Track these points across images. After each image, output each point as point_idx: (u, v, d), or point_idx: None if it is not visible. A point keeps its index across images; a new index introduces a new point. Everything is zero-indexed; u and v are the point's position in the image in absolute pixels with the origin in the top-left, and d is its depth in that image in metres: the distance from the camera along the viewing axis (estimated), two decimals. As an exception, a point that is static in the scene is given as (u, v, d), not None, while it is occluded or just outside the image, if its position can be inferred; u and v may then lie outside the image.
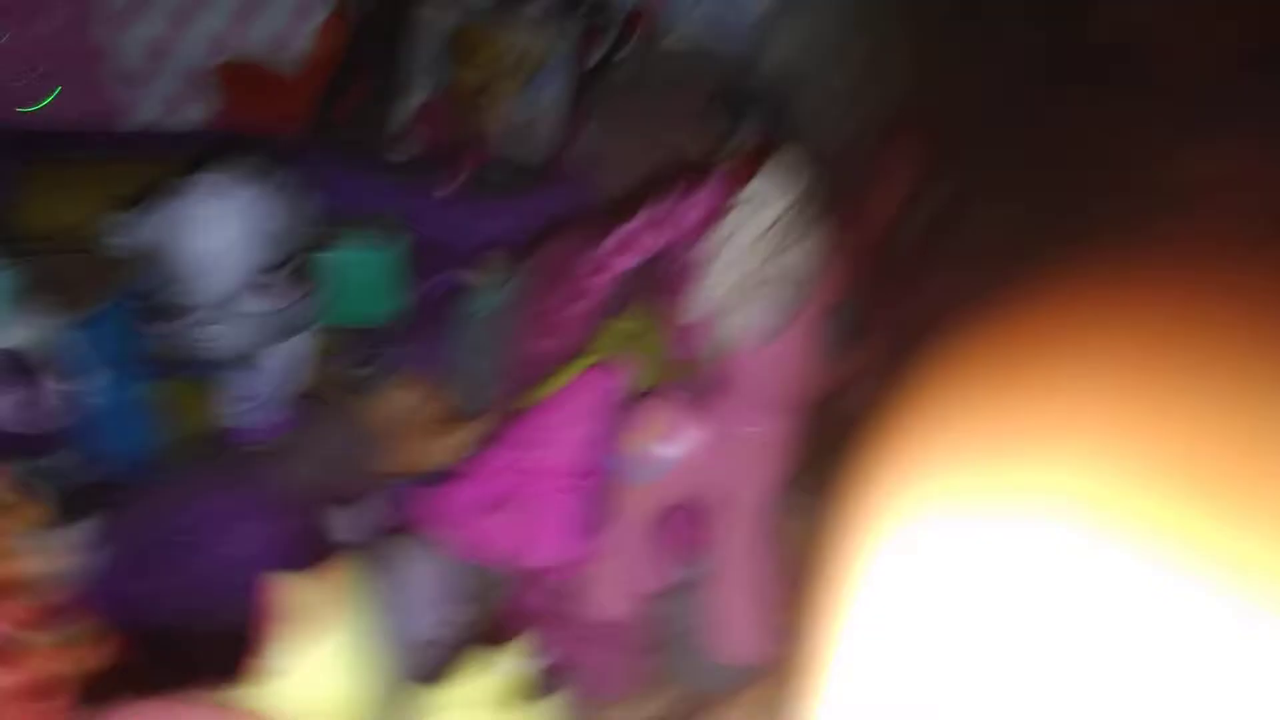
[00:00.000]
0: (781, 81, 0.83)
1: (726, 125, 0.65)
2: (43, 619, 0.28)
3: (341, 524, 0.45)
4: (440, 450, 0.57)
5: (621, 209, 0.45)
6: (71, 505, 0.32)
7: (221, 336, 0.52)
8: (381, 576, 0.40)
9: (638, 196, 0.44)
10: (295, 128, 0.91)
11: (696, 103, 0.75)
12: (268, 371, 0.56)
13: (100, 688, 0.28)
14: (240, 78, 0.93)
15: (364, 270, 0.72)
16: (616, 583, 0.46)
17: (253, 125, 0.93)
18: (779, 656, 0.41)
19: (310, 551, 0.44)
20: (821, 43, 0.88)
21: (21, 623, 0.27)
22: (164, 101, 0.91)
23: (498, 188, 0.91)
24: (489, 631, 0.45)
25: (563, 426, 0.44)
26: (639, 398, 0.46)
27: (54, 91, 0.88)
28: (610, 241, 0.43)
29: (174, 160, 0.58)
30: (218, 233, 0.51)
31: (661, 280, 0.41)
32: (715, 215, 0.39)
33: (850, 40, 0.88)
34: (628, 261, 0.43)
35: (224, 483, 0.47)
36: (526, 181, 0.91)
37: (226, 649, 0.22)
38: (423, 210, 0.85)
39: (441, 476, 0.50)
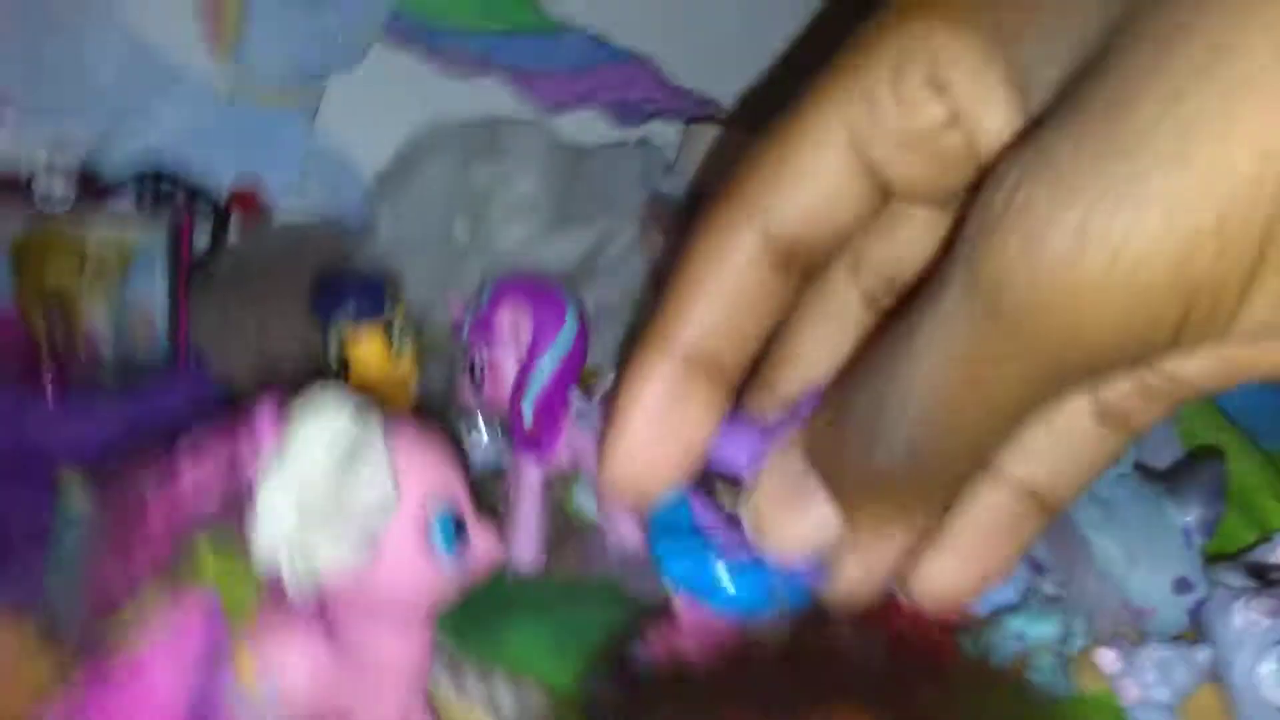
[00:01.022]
0: (389, 249, 0.83)
1: (327, 315, 0.64)
2: None
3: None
4: (22, 694, 0.49)
5: (233, 405, 0.41)
6: None
7: None
8: None
9: (248, 393, 0.41)
10: None
11: (303, 282, 0.73)
12: None
13: None
14: None
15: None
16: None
17: None
18: None
19: None
20: (432, 200, 0.89)
21: None
22: None
23: (98, 387, 0.83)
24: None
25: (159, 660, 0.40)
26: (241, 625, 0.42)
27: None
28: (180, 459, 0.39)
29: None
30: None
31: (243, 497, 0.38)
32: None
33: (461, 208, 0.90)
34: (198, 482, 0.39)
35: None
36: (130, 379, 0.84)
37: None
38: (14, 415, 0.76)
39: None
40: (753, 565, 0.40)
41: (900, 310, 0.19)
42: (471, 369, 0.65)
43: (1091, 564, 0.49)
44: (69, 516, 0.60)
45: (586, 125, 0.99)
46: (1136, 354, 0.16)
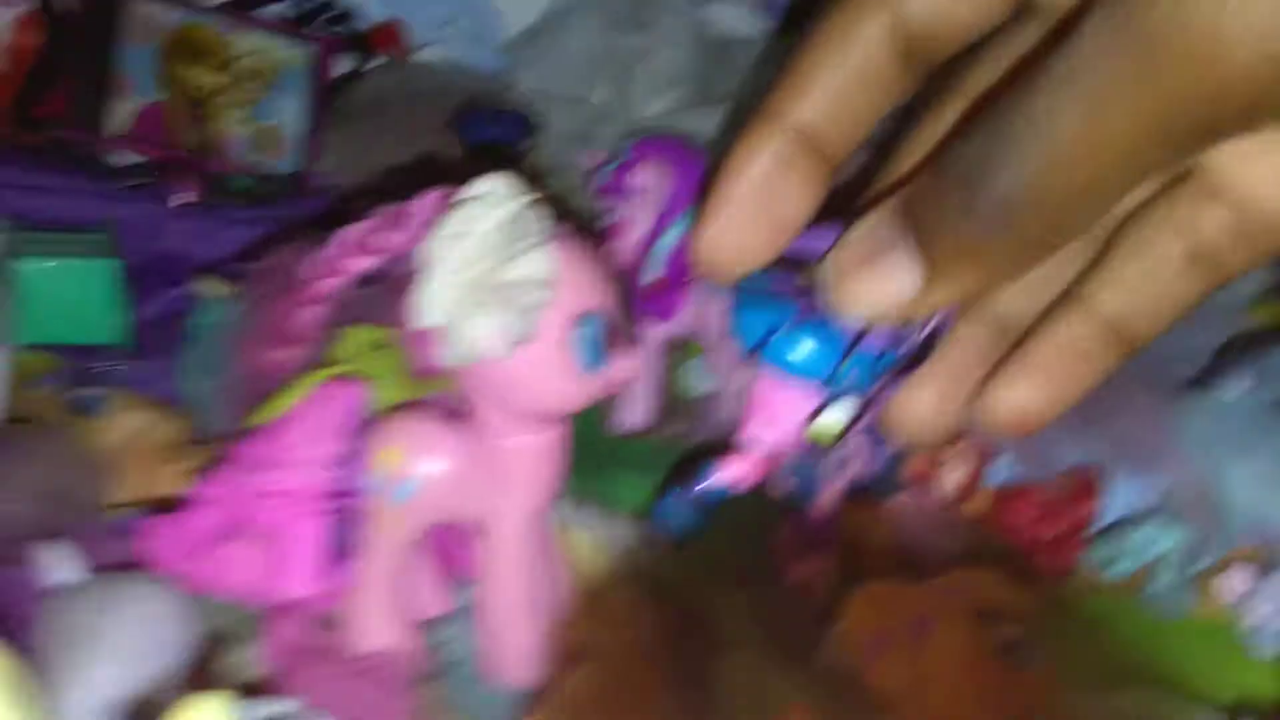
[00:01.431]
0: (530, 99, 0.82)
1: (471, 138, 0.64)
2: None
3: (54, 563, 0.39)
4: (170, 477, 0.51)
5: (360, 217, 0.41)
6: None
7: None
8: (102, 619, 0.35)
9: (376, 205, 0.41)
10: (-5, 126, 0.81)
11: (443, 117, 0.73)
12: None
13: None
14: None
15: (77, 284, 0.65)
16: (377, 612, 0.42)
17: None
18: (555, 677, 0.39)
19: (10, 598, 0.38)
20: (574, 63, 0.88)
21: None
22: None
23: (235, 198, 0.84)
24: (235, 673, 0.40)
25: (303, 445, 0.41)
26: (386, 411, 0.42)
27: None
28: (341, 242, 0.40)
29: None
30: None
31: (397, 286, 0.38)
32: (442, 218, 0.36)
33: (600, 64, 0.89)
34: (359, 264, 0.40)
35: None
36: (266, 192, 0.86)
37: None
38: (152, 220, 0.78)
39: (172, 505, 0.45)
40: (828, 331, 0.40)
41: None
42: (599, 222, 0.65)
43: (1226, 485, 0.48)
44: (208, 313, 0.62)
45: (733, 16, 0.97)
46: (1273, 114, 0.16)
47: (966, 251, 0.19)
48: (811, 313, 0.39)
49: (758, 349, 0.41)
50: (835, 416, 0.40)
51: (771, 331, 0.40)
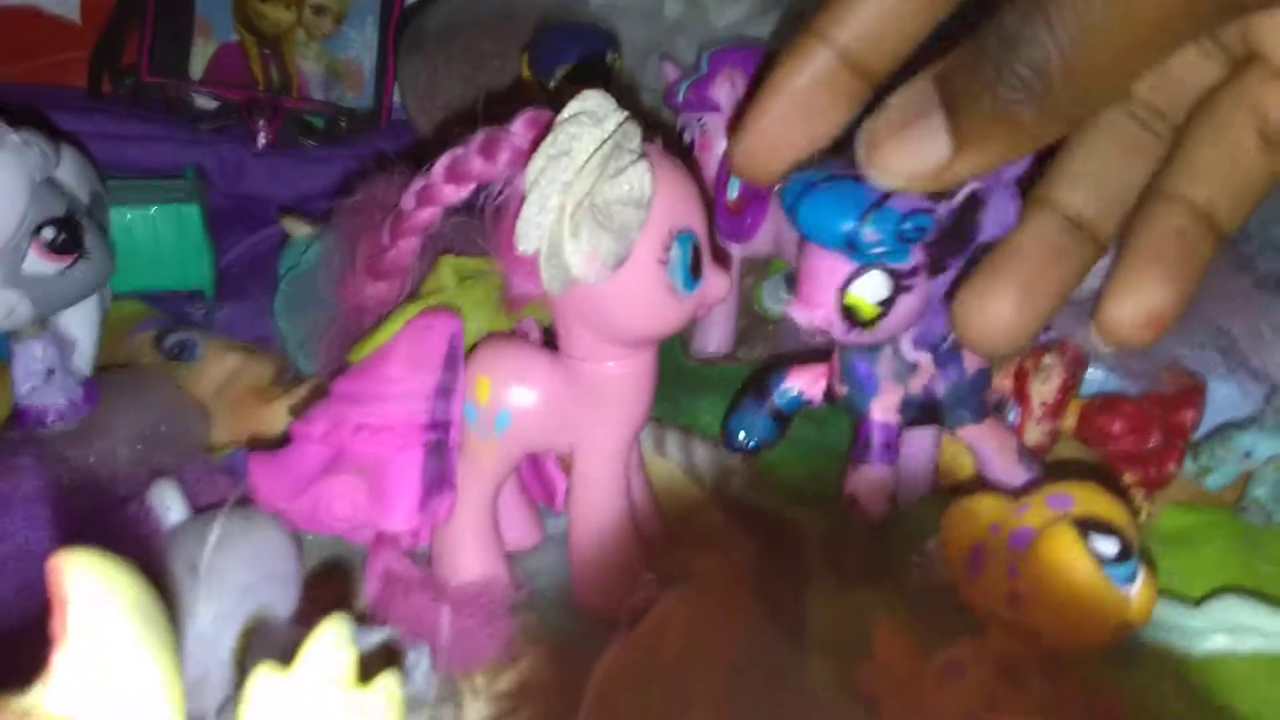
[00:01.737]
0: (602, 16, 0.81)
1: (550, 58, 0.62)
2: None
3: (163, 502, 0.40)
4: (267, 416, 0.52)
5: (446, 147, 0.41)
6: None
7: (0, 304, 0.46)
8: (213, 555, 0.36)
9: (462, 134, 0.40)
10: (79, 76, 0.83)
11: (519, 38, 0.72)
12: (57, 342, 0.50)
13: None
14: (12, 24, 0.84)
15: (165, 230, 0.66)
16: (471, 543, 0.43)
17: (31, 75, 0.84)
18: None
19: (123, 535, 0.40)
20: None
21: None
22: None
23: (315, 135, 0.85)
24: (340, 604, 0.42)
25: (401, 378, 0.41)
26: (482, 341, 0.42)
27: None
28: (436, 171, 0.39)
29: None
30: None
31: (493, 213, 0.38)
32: (539, 143, 0.36)
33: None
34: (456, 193, 0.39)
35: (17, 468, 0.42)
36: (346, 128, 0.86)
37: (23, 648, 0.18)
38: (235, 162, 0.79)
39: (273, 443, 0.46)
40: (848, 188, 0.40)
41: None
42: (681, 138, 0.63)
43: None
44: (295, 252, 0.63)
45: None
46: None
47: (996, 120, 0.20)
48: (839, 176, 0.39)
49: (790, 211, 0.41)
50: (869, 286, 0.40)
51: (803, 192, 0.40)
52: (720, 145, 0.62)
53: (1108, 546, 0.33)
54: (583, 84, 0.61)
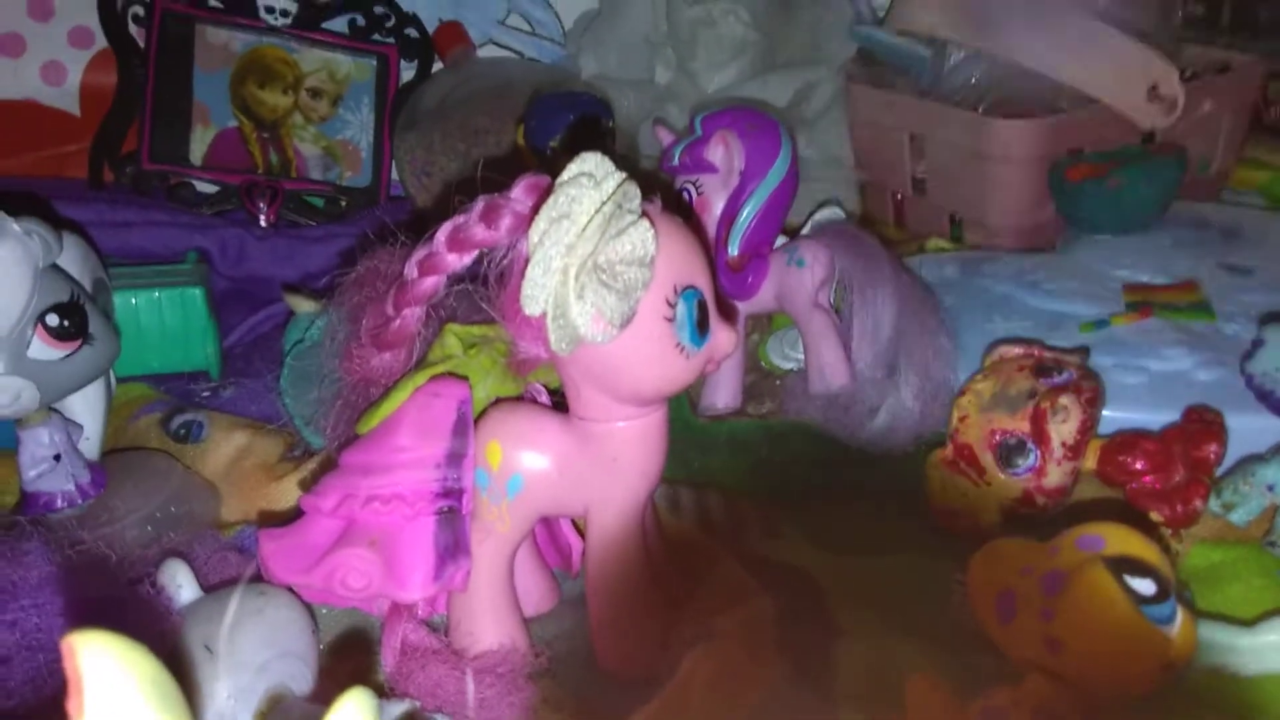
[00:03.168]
0: (598, 81, 0.82)
1: (546, 126, 0.63)
2: None
3: (174, 581, 0.40)
4: (279, 491, 0.52)
5: (447, 216, 0.41)
6: None
7: (6, 393, 0.45)
8: (228, 633, 0.35)
9: (462, 202, 0.40)
10: (80, 167, 0.84)
11: (512, 112, 0.73)
12: (64, 428, 0.50)
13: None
14: (13, 117, 0.85)
15: (170, 314, 0.66)
16: (488, 610, 0.42)
17: (33, 168, 0.85)
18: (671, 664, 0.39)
19: (136, 617, 0.39)
20: (634, 45, 0.87)
21: None
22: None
23: (316, 215, 0.86)
24: (359, 678, 0.41)
25: (410, 446, 0.41)
26: (492, 406, 0.42)
27: None
28: (439, 240, 0.39)
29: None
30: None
31: (497, 278, 0.38)
32: (540, 207, 0.36)
33: (660, 44, 0.88)
34: (459, 260, 0.39)
35: (24, 554, 0.41)
36: (346, 206, 0.87)
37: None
38: (237, 244, 0.79)
39: (284, 518, 0.45)
40: None
41: None
42: (680, 198, 0.64)
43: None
44: (299, 328, 0.63)
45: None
46: None
47: None
48: None
49: None
50: None
51: None
52: (718, 206, 0.62)
53: (1144, 586, 0.32)
54: (579, 149, 0.62)
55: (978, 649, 0.37)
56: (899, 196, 0.86)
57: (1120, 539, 0.34)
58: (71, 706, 0.17)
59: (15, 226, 0.45)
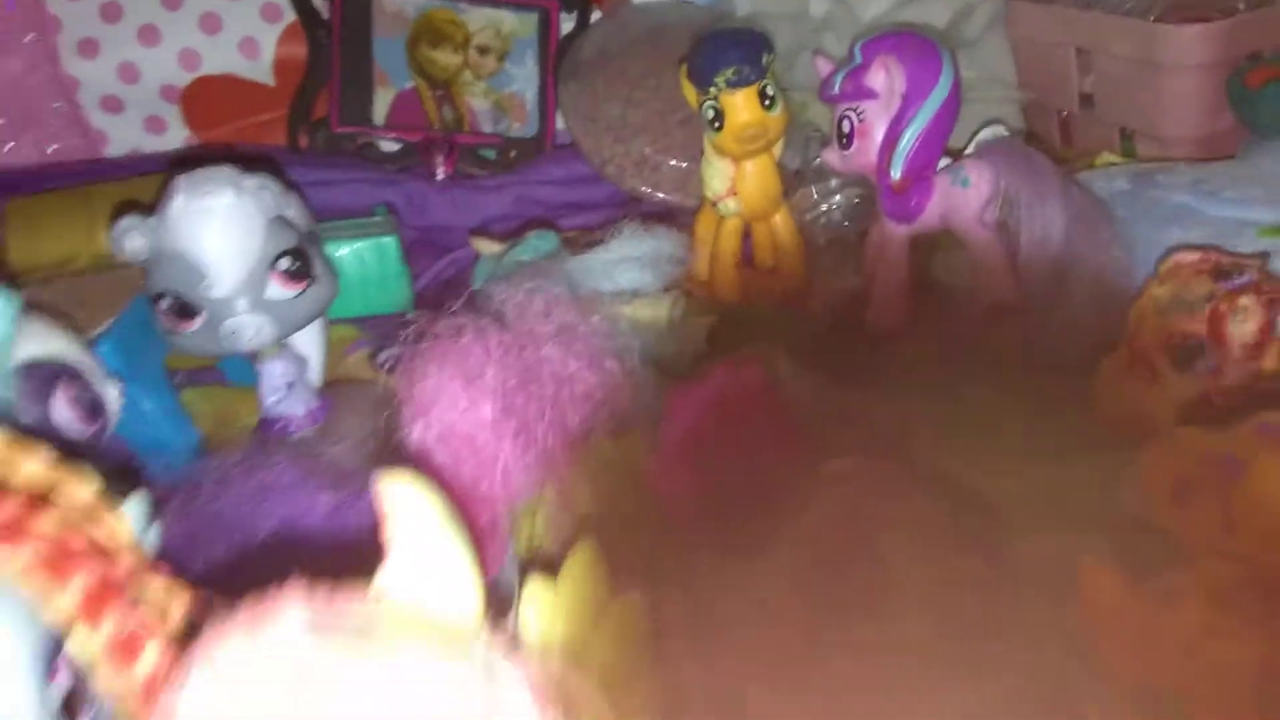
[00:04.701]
0: (755, 19, 0.83)
1: (709, 66, 0.65)
2: (125, 580, 0.28)
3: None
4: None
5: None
6: (115, 486, 0.31)
7: (248, 329, 0.52)
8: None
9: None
10: (277, 134, 0.91)
11: (671, 55, 0.75)
12: (295, 360, 0.56)
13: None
14: (214, 92, 0.93)
15: (371, 261, 0.72)
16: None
17: (234, 137, 0.93)
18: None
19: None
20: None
21: (107, 584, 0.27)
22: (141, 125, 0.91)
23: (488, 166, 0.91)
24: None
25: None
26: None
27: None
28: None
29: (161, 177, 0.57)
30: (225, 226, 0.50)
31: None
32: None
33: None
34: None
35: (275, 463, 0.47)
36: (515, 156, 0.92)
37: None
38: (419, 197, 0.85)
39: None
40: None
41: None
42: (839, 129, 0.65)
43: None
44: (484, 268, 0.68)
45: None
46: None
47: None
48: None
49: None
50: None
51: None
52: (879, 131, 0.64)
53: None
54: (742, 88, 0.64)
55: (1151, 538, 0.38)
56: (1065, 114, 0.84)
57: (1300, 423, 0.34)
58: (385, 534, 0.22)
59: (250, 180, 0.50)
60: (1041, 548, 0.41)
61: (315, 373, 0.59)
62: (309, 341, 0.58)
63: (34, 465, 0.28)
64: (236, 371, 0.62)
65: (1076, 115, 0.83)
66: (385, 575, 0.21)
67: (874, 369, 0.58)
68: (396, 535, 0.21)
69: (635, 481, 0.42)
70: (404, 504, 0.22)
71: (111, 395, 0.48)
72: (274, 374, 0.55)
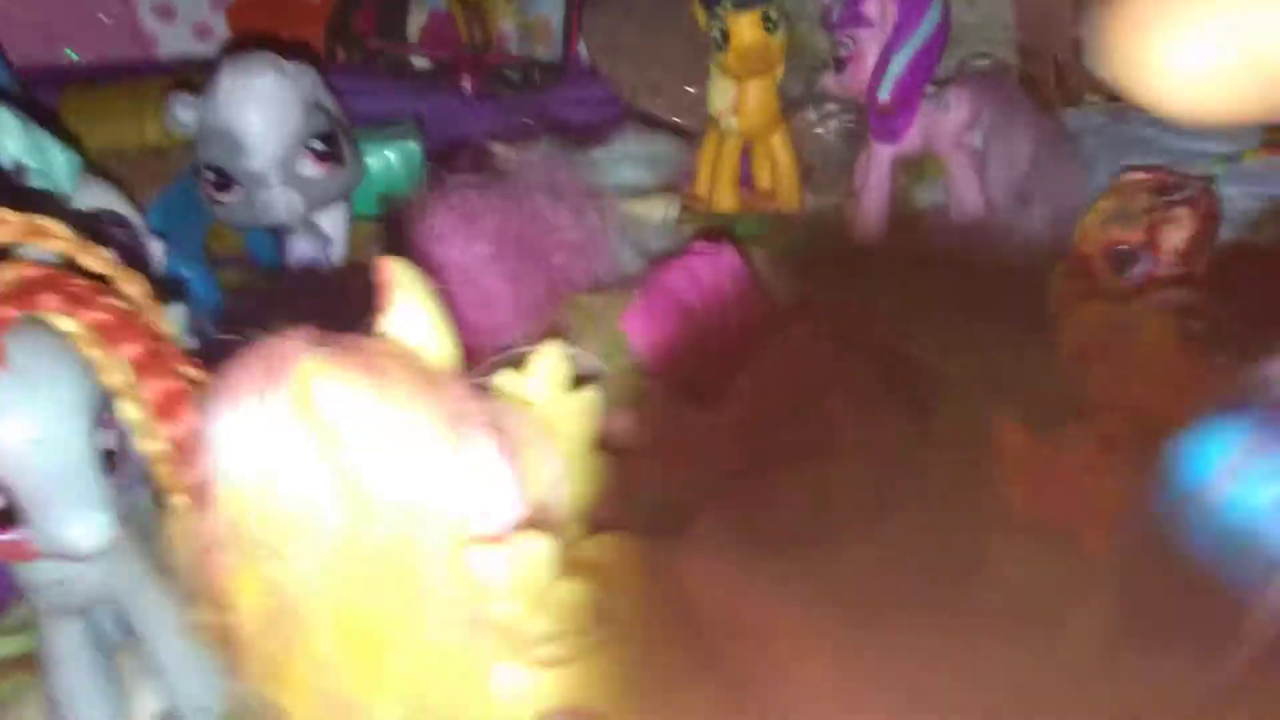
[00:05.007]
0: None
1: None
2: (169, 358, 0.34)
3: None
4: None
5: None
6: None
7: (280, 201, 0.57)
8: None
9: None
10: (317, 49, 0.97)
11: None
12: (321, 236, 0.62)
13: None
14: (258, 7, 0.99)
15: (396, 163, 0.78)
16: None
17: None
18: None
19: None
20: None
21: (155, 355, 0.33)
22: (190, 32, 0.96)
23: (512, 86, 0.96)
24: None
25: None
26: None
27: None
28: None
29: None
30: (265, 103, 0.56)
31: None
32: None
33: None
34: None
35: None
36: (538, 78, 0.97)
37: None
38: (446, 111, 0.91)
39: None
40: None
41: None
42: (836, 54, 0.70)
43: None
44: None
45: None
46: None
47: None
48: None
49: None
50: None
51: None
52: (871, 58, 0.68)
53: (1197, 325, 0.38)
54: (747, 10, 0.69)
55: (1062, 398, 0.43)
56: (1060, 59, 0.88)
57: (1185, 294, 0.39)
58: (381, 298, 0.27)
59: (290, 65, 0.56)
60: (967, 410, 0.46)
61: (337, 253, 0.65)
62: (334, 222, 0.64)
63: (99, 258, 0.34)
64: (264, 252, 0.67)
65: (1071, 61, 0.87)
66: (383, 323, 0.27)
67: (849, 272, 0.63)
68: (392, 295, 0.27)
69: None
70: (398, 275, 0.27)
71: (157, 251, 0.54)
72: (301, 249, 0.61)
